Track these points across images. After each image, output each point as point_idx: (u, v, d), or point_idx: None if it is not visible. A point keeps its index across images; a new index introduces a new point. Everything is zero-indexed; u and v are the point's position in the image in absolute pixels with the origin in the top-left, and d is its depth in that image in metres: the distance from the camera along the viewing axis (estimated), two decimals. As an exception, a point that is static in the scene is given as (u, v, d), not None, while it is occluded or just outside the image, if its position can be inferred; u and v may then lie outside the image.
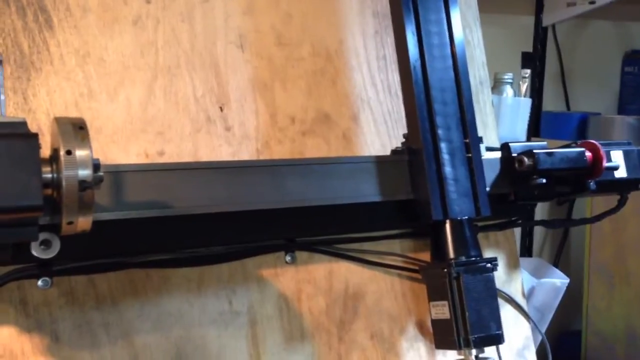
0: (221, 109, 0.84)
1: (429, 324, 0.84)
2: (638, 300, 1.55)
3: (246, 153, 0.84)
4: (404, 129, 0.89)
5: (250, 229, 0.78)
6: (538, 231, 1.98)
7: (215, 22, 0.85)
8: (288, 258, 0.84)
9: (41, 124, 0.72)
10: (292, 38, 0.90)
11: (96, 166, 0.56)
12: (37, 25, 0.74)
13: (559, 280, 1.17)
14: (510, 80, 1.17)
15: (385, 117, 0.95)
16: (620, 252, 1.58)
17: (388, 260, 0.90)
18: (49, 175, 0.55)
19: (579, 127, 1.73)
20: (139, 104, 0.79)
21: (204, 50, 0.84)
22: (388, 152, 0.91)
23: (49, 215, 0.58)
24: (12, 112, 0.71)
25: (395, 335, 0.88)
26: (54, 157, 0.56)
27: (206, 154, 0.81)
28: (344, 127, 0.92)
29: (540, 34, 1.77)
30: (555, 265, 1.81)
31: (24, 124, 0.54)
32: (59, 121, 0.56)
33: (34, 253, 0.62)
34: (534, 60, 1.71)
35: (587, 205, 1.58)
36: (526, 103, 1.13)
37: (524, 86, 1.20)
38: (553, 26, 1.88)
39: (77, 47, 0.76)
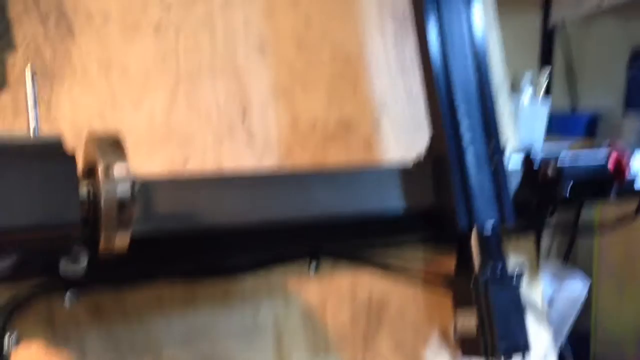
0: (243, 116, 0.82)
1: (453, 333, 0.83)
2: (648, 301, 1.55)
3: (269, 160, 0.83)
4: (424, 134, 0.87)
5: (274, 239, 0.77)
6: (545, 231, 1.98)
7: (236, 27, 0.84)
8: (312, 268, 0.82)
9: (65, 134, 0.70)
10: (312, 42, 0.89)
11: (134, 182, 0.54)
12: (59, 33, 0.72)
13: (579, 286, 1.17)
14: (528, 82, 1.16)
15: (406, 123, 0.94)
16: (630, 253, 1.57)
17: (412, 269, 0.88)
18: (85, 192, 0.54)
19: (588, 126, 1.72)
20: (162, 112, 0.77)
21: (225, 56, 0.82)
22: (409, 158, 0.89)
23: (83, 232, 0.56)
24: (35, 122, 0.69)
25: (420, 345, 0.87)
26: (91, 173, 0.55)
27: (229, 162, 0.80)
28: (365, 133, 0.90)
29: (548, 33, 1.77)
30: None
31: (60, 143, 0.52)
32: (96, 136, 0.54)
33: (63, 268, 0.61)
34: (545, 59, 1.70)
35: (597, 207, 1.57)
36: (544, 106, 1.12)
37: (542, 86, 1.18)
38: (561, 24, 1.87)
39: (99, 55, 0.74)
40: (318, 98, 0.88)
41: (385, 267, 0.87)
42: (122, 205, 0.53)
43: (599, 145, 0.94)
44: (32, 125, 0.55)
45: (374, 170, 0.81)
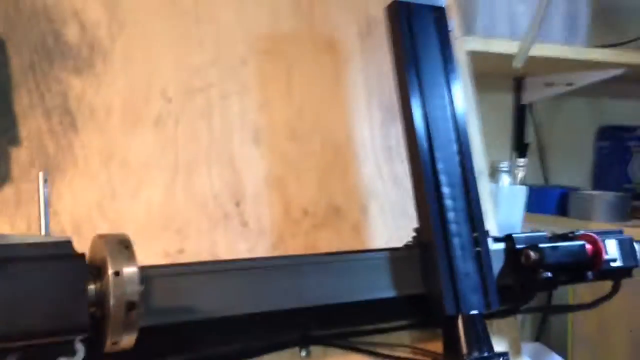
0: (237, 205, 0.85)
1: (442, 416, 0.84)
2: (623, 375, 1.57)
3: (262, 248, 0.85)
4: (409, 220, 0.90)
5: (266, 326, 0.78)
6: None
7: (232, 118, 0.87)
8: (303, 353, 0.84)
9: (65, 227, 0.72)
10: (304, 132, 0.92)
11: (142, 284, 0.56)
12: (62, 128, 0.75)
13: (559, 365, 1.19)
14: (506, 169, 1.21)
15: (392, 208, 0.97)
16: (603, 326, 1.60)
17: (399, 352, 0.90)
18: (92, 292, 0.55)
19: (559, 202, 1.78)
20: (159, 203, 0.79)
21: (221, 146, 0.85)
22: (394, 244, 0.92)
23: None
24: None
25: None
26: (98, 273, 0.56)
27: (224, 251, 0.82)
28: (354, 219, 0.93)
29: (519, 113, 1.84)
30: (538, 339, 1.83)
31: (69, 243, 0.54)
32: (106, 239, 0.56)
33: (62, 365, 0.61)
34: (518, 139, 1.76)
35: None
36: (522, 191, 1.16)
37: (520, 174, 1.24)
38: (531, 105, 1.95)
39: (101, 148, 0.76)
40: (309, 186, 0.91)
41: (374, 353, 0.88)
42: (130, 308, 0.54)
43: (572, 228, 0.99)
44: (42, 228, 0.56)
45: (363, 256, 0.84)
